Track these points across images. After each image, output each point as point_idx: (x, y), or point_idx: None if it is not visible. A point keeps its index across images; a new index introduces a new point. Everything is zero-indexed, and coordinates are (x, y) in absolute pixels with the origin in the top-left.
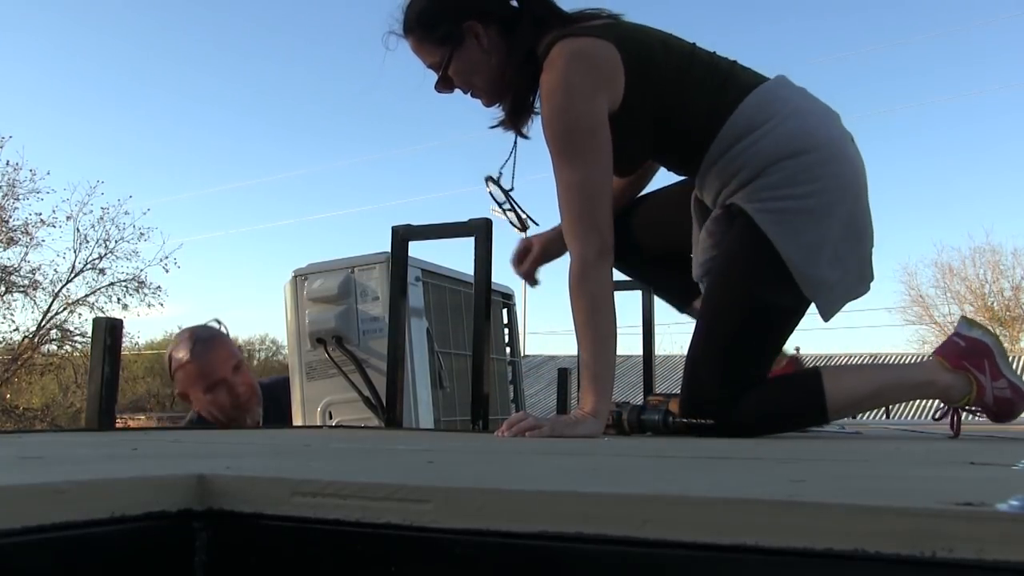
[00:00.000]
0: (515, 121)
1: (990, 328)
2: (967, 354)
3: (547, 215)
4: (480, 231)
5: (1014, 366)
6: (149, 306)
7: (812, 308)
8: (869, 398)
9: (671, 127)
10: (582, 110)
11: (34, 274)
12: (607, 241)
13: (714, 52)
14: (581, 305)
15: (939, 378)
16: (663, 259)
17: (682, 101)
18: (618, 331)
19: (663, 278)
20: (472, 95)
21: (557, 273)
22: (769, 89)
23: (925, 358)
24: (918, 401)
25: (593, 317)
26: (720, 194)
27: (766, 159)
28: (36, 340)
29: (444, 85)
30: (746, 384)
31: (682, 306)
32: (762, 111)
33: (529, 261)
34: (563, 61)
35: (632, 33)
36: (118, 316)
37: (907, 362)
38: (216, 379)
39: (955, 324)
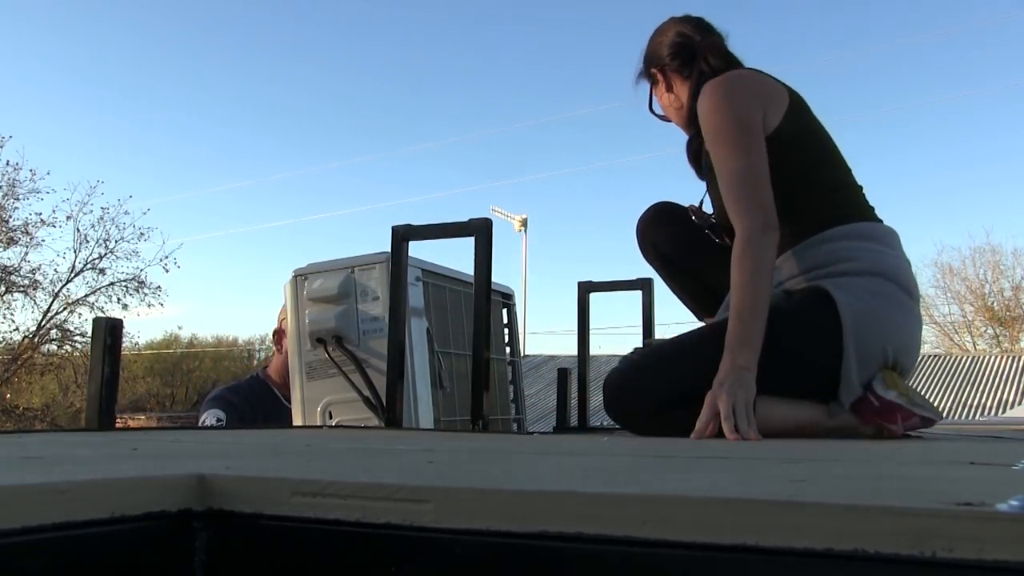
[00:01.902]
0: (695, 158)
1: (904, 388)
2: (880, 412)
3: (556, 210)
4: (480, 231)
5: (1014, 366)
6: (149, 306)
7: None
8: (793, 433)
9: (802, 184)
10: (739, 111)
11: (34, 274)
12: (771, 217)
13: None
14: (744, 268)
15: (853, 424)
16: (692, 271)
17: (830, 170)
18: (618, 330)
19: (690, 283)
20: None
21: (556, 275)
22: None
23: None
24: None
25: (750, 282)
26: (809, 272)
27: (878, 270)
28: (36, 340)
29: (653, 112)
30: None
31: (700, 314)
32: (892, 238)
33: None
34: (723, 77)
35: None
36: (118, 316)
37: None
38: None
39: (877, 379)
